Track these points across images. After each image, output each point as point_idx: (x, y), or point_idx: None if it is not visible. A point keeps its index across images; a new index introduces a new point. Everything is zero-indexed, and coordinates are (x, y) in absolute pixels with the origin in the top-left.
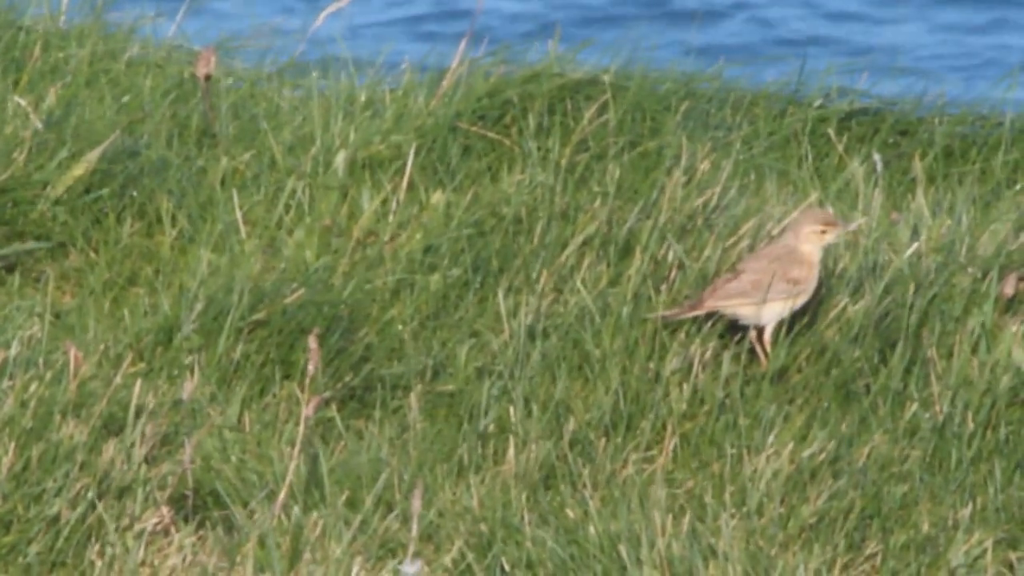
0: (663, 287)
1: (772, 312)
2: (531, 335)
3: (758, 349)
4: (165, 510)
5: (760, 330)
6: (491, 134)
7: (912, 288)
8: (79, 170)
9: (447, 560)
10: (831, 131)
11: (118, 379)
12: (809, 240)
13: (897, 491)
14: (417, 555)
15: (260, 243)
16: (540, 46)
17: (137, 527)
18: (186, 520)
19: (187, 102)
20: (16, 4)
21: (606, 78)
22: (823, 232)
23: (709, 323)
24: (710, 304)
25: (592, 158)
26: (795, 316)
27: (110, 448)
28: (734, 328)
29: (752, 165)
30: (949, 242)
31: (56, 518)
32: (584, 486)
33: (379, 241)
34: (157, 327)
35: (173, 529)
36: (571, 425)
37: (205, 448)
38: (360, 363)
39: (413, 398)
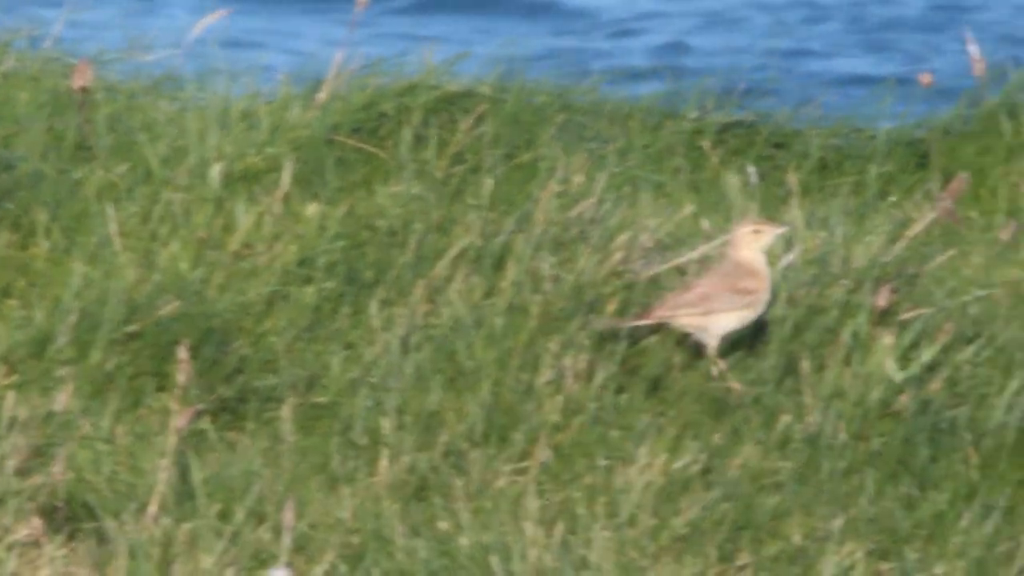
0: (537, 299)
1: (722, 324)
2: (405, 347)
3: (714, 369)
4: (36, 521)
5: (706, 344)
6: (367, 146)
7: (785, 300)
8: None
9: (319, 571)
10: (706, 143)
11: None
12: (745, 243)
13: (769, 502)
14: (289, 565)
15: (135, 255)
16: (417, 58)
17: (8, 539)
18: (57, 531)
19: (63, 115)
20: None
21: (483, 90)
22: (757, 232)
23: (587, 335)
24: (658, 314)
25: (468, 170)
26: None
27: None
28: (684, 340)
29: (627, 177)
30: (823, 254)
31: None
32: (456, 497)
33: (254, 253)
34: (30, 339)
35: (44, 540)
36: (443, 436)
37: (77, 460)
38: (234, 375)
39: (286, 410)
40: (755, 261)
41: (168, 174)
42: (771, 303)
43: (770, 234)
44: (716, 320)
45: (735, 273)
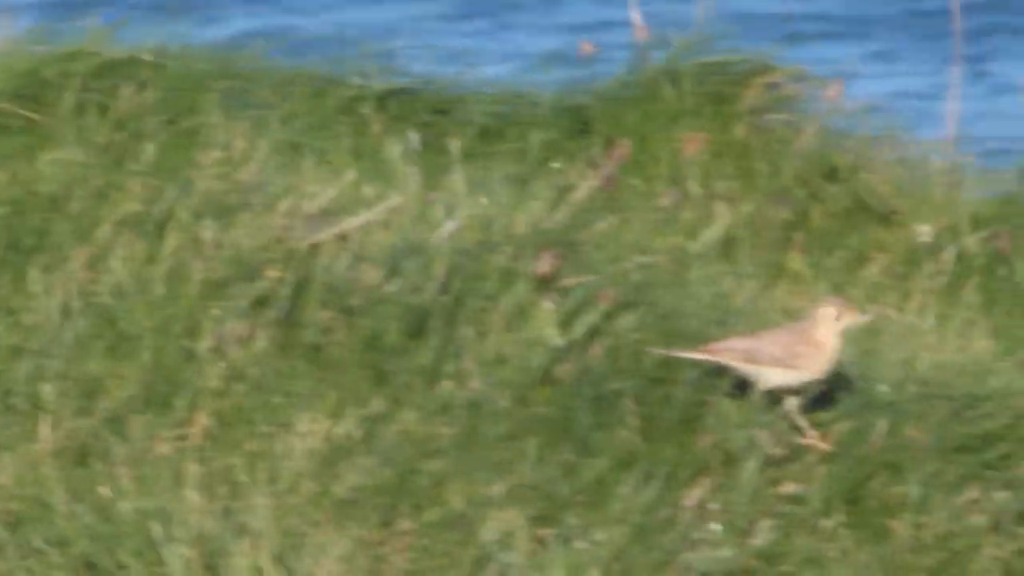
0: (199, 266)
1: (771, 378)
2: (66, 313)
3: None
4: None
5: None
6: (28, 113)
7: (447, 266)
8: None
9: None
10: (368, 110)
11: None
12: (825, 323)
13: (430, 468)
14: None
15: None
16: (79, 23)
17: None
18: None
19: None
20: None
21: (145, 57)
22: (840, 317)
23: None
24: (712, 350)
25: (130, 137)
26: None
27: None
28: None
29: (290, 144)
30: (485, 221)
31: None
32: (117, 463)
33: None
34: None
35: None
36: (105, 402)
37: None
38: None
39: None
40: (825, 336)
41: None
42: (830, 372)
43: (851, 319)
44: (767, 374)
45: (799, 338)
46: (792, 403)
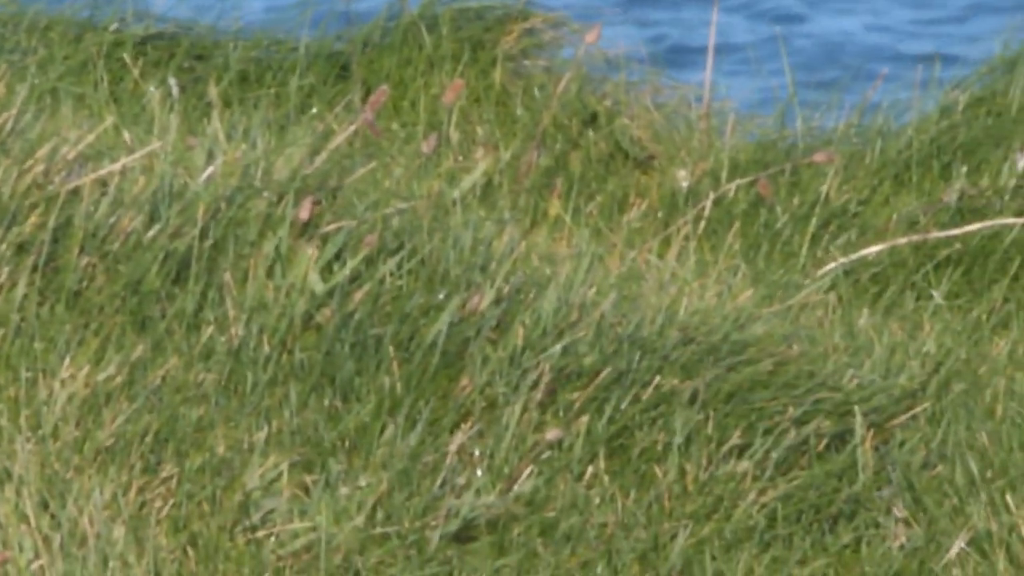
0: None
1: None
2: None
3: None
4: None
5: None
6: None
7: (208, 212)
8: None
9: None
10: (127, 56)
11: None
12: None
13: (192, 414)
14: None
15: None
16: None
17: None
18: None
19: None
20: None
21: None
22: None
23: None
24: None
25: None
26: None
27: None
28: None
29: (48, 89)
30: (245, 166)
31: None
32: None
33: None
34: None
35: None
36: None
37: None
38: None
39: None
40: None
41: None
42: None
43: None
44: None
45: None
46: None
